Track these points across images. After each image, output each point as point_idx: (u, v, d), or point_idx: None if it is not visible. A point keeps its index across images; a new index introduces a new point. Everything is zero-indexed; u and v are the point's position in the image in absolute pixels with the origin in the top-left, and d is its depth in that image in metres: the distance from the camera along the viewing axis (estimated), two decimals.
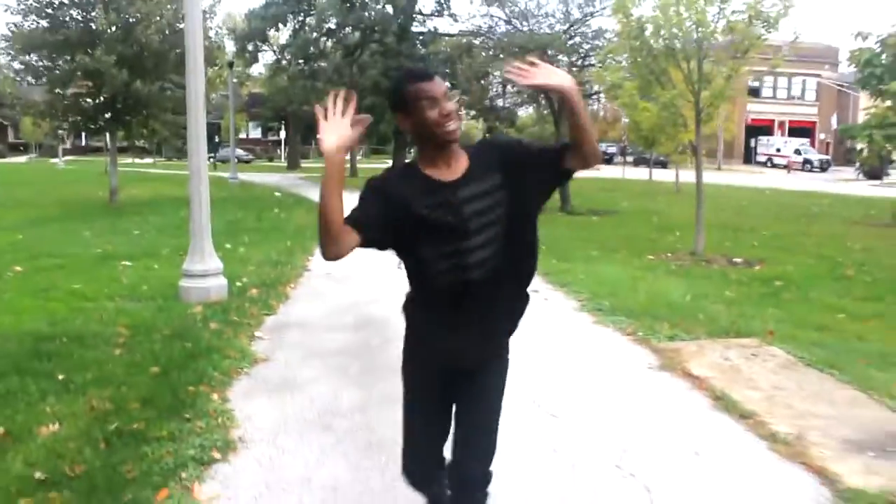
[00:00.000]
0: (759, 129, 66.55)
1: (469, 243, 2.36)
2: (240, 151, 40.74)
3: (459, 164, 2.40)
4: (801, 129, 66.85)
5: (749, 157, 66.27)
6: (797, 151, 58.38)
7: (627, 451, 4.07)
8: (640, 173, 39.69)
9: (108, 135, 21.35)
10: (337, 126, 2.18)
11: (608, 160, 62.61)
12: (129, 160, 49.84)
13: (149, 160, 57.58)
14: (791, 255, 11.70)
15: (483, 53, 21.32)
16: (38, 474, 3.63)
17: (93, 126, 20.24)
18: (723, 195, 25.55)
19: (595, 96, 19.90)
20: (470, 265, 2.37)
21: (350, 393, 5.01)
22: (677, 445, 4.21)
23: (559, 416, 4.64)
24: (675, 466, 3.93)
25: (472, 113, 32.88)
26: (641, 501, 3.53)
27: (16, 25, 18.77)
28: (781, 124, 68.33)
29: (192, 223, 8.16)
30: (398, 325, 2.71)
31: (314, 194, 21.47)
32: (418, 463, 2.72)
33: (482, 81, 21.82)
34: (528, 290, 2.58)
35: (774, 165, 59.83)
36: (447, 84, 2.24)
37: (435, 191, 2.36)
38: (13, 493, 3.47)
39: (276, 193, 24.95)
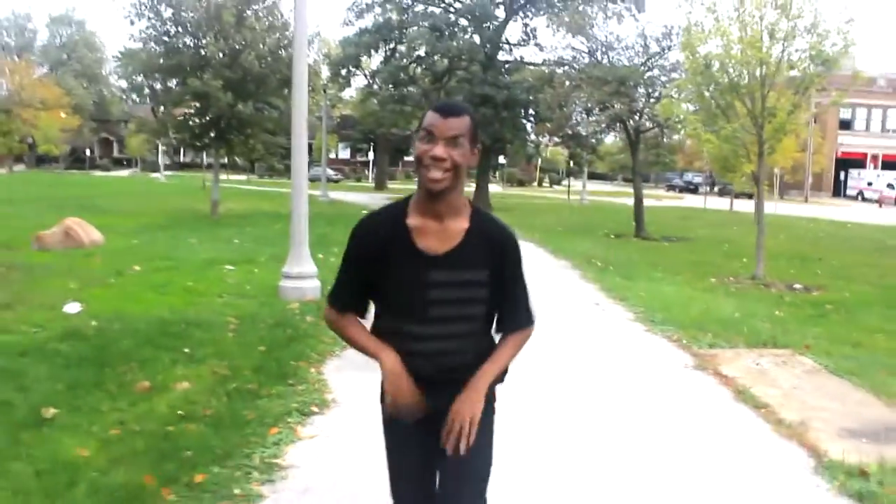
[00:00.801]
0: (850, 161, 65.27)
1: (423, 329, 2.21)
2: (329, 171, 42.46)
3: (451, 227, 2.21)
4: (894, 163, 65.12)
5: (839, 190, 65.01)
6: (890, 185, 56.96)
7: (653, 426, 4.89)
8: (724, 203, 39.62)
9: (206, 152, 23.03)
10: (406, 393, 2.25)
11: (693, 190, 62.48)
12: (225, 176, 52.34)
13: (243, 177, 60.12)
14: (851, 283, 12.12)
15: (566, 82, 22.16)
16: (179, 412, 4.68)
17: (198, 144, 21.90)
18: (802, 227, 25.67)
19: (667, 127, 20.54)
20: (420, 353, 2.23)
21: None
22: (696, 424, 4.99)
23: (601, 402, 5.48)
24: (691, 437, 4.72)
25: (556, 140, 33.79)
26: (662, 455, 4.35)
27: (125, 49, 20.62)
28: (875, 157, 66.81)
29: (292, 231, 9.29)
30: None
31: None
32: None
33: (564, 109, 22.65)
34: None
35: (865, 199, 58.49)
36: (465, 127, 2.11)
37: (409, 258, 2.19)
38: (161, 422, 4.53)
39: (363, 211, 26.18)
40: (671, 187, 67.82)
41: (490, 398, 2.33)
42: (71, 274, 10.63)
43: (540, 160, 64.35)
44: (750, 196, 50.79)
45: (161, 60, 19.97)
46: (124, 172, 73.89)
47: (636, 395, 5.65)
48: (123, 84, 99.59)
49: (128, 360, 5.89)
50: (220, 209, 22.04)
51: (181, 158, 79.69)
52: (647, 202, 21.91)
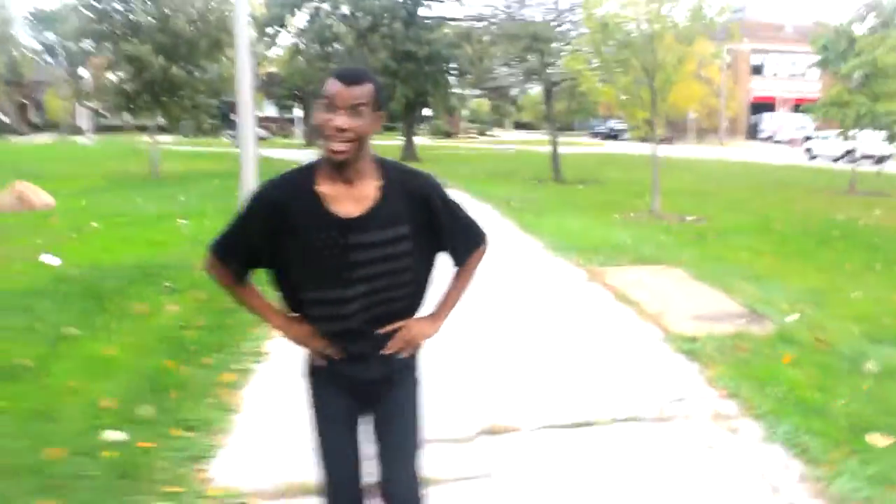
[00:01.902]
0: (763, 105, 68.17)
1: (348, 292, 2.16)
2: (259, 130, 42.87)
3: (363, 190, 2.16)
4: (802, 106, 68.01)
5: (754, 133, 67.92)
6: (799, 128, 59.93)
7: (553, 319, 6.38)
8: (645, 149, 41.50)
9: (140, 115, 23.59)
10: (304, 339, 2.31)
11: (615, 136, 64.43)
12: (145, 139, 52.21)
13: (169, 138, 59.78)
14: (736, 214, 13.87)
15: (484, 37, 23.40)
16: (179, 324, 5.96)
17: (132, 107, 22.53)
18: (708, 168, 27.73)
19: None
20: (347, 315, 2.19)
21: None
22: (585, 317, 6.51)
23: (514, 306, 6.95)
24: (580, 325, 6.23)
25: (478, 93, 35.11)
26: (559, 335, 5.84)
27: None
28: (785, 101, 69.86)
29: (242, 183, 10.46)
30: None
31: None
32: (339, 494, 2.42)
33: (483, 63, 23.93)
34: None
35: (777, 142, 61.39)
36: (367, 94, 2.07)
37: (321, 221, 2.13)
38: (165, 331, 5.81)
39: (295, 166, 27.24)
40: (595, 134, 69.55)
41: (416, 372, 2.44)
42: (34, 232, 11.58)
43: (467, 112, 65.46)
44: (670, 141, 53.17)
45: (92, 26, 20.51)
46: (45, 137, 72.33)
47: (542, 300, 7.14)
48: (36, 45, 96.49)
49: (119, 294, 7.10)
50: (158, 170, 22.80)
51: (103, 121, 78.48)
52: (570, 149, 23.41)
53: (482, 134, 74.24)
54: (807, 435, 4.02)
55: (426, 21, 31.10)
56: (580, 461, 3.81)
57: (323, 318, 2.22)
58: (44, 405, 4.36)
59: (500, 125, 72.59)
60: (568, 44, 20.03)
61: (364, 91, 2.06)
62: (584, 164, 28.11)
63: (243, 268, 2.30)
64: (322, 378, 2.35)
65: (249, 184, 10.38)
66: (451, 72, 31.58)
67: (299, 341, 2.32)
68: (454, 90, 33.36)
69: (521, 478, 3.63)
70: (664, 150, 38.35)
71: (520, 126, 77.76)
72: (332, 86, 2.05)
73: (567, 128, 58.87)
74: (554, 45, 20.14)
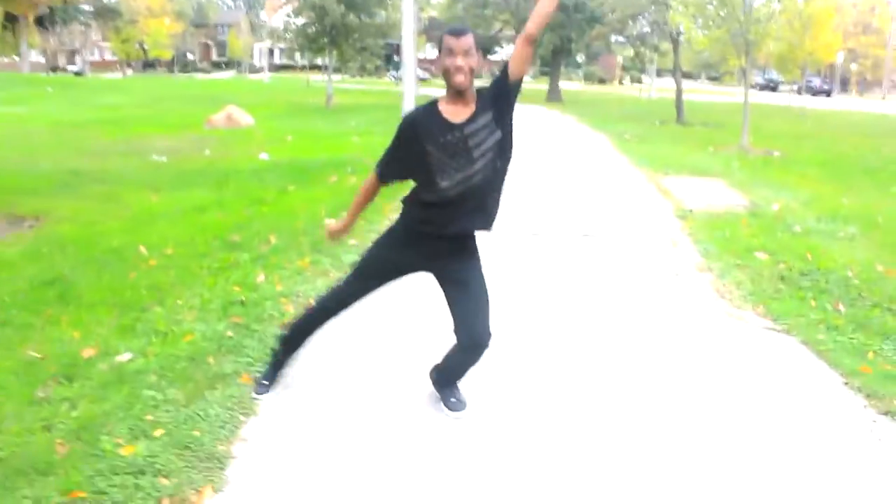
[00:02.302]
0: None
1: (474, 167, 3.01)
2: (419, 71, 46.48)
3: (469, 106, 3.03)
4: None
5: None
6: None
7: (605, 192, 9.37)
8: (794, 100, 42.17)
9: (319, 55, 27.42)
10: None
11: (773, 88, 63.44)
12: (320, 77, 57.05)
13: (338, 77, 64.58)
14: (817, 153, 15.94)
15: None
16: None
17: (314, 47, 26.46)
18: (840, 118, 28.98)
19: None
20: (474, 181, 3.04)
21: None
22: (631, 198, 9.43)
23: (581, 186, 9.95)
24: (625, 201, 9.18)
25: (621, 39, 36.99)
26: (600, 195, 8.84)
27: None
28: None
29: (403, 112, 13.76)
30: None
31: None
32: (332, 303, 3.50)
33: (615, 13, 26.16)
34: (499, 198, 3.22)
35: None
36: (471, 42, 2.94)
37: (448, 130, 3.00)
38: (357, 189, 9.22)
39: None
40: (752, 85, 68.32)
41: (475, 251, 3.31)
42: (247, 142, 15.50)
43: (620, 60, 66.48)
44: (828, 94, 52.60)
45: None
46: (225, 74, 79.04)
47: (604, 186, 10.10)
48: None
49: (317, 172, 10.61)
50: (332, 102, 26.73)
51: (276, 60, 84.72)
52: (719, 98, 24.83)
53: (638, 81, 75.10)
54: (718, 251, 6.85)
55: None
56: (586, 257, 6.86)
57: (458, 185, 3.03)
58: (286, 212, 7.83)
59: (658, 73, 73.26)
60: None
61: (469, 40, 2.95)
62: (717, 110, 29.91)
63: (391, 180, 3.26)
64: (402, 236, 3.31)
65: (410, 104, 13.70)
66: (597, 21, 33.76)
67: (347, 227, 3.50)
68: (598, 38, 35.54)
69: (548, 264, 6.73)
70: (814, 102, 39.53)
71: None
72: (449, 40, 2.95)
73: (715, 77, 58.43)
74: None
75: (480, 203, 3.13)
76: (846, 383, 3.97)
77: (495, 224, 3.24)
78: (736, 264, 6.36)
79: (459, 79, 2.94)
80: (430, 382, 3.66)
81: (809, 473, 3.09)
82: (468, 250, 3.29)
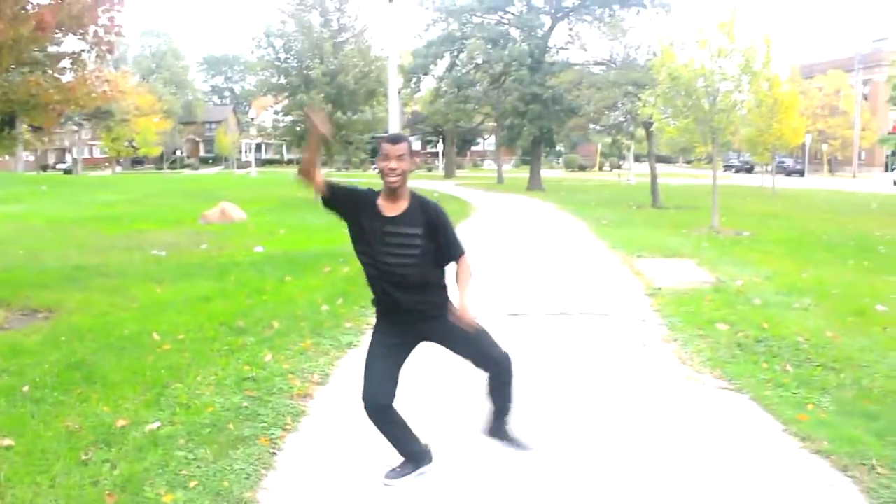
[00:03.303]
0: None
1: (382, 258, 3.53)
2: None
3: (399, 204, 3.52)
4: None
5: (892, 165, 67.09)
6: None
7: (580, 273, 10.05)
8: (765, 181, 43.61)
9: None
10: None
11: (748, 170, 64.77)
12: None
13: (324, 171, 66.00)
14: (784, 231, 16.79)
15: (593, 85, 27.04)
16: (350, 276, 9.99)
17: (303, 143, 27.49)
18: (806, 197, 30.20)
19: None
20: (384, 271, 3.55)
21: None
22: (605, 278, 10.11)
23: (561, 268, 10.64)
24: (592, 276, 9.86)
25: (598, 128, 38.66)
26: (575, 277, 9.50)
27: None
28: None
29: None
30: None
31: (468, 196, 28.25)
32: (373, 393, 3.69)
33: (591, 105, 27.55)
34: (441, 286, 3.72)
35: None
36: (405, 149, 3.47)
37: (377, 219, 3.53)
38: (351, 280, 9.86)
39: (435, 193, 31.69)
40: (727, 167, 69.91)
41: (442, 311, 3.66)
42: (241, 236, 16.21)
43: (599, 147, 68.45)
44: (801, 174, 54.29)
45: (275, 80, 25.75)
46: (213, 170, 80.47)
47: (580, 267, 10.80)
48: (206, 88, 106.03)
49: (311, 263, 11.27)
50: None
51: (262, 155, 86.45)
52: (689, 181, 25.83)
53: (618, 167, 77.19)
54: (683, 324, 7.48)
55: (552, 66, 34.96)
56: (562, 334, 7.48)
57: (369, 265, 3.63)
58: (285, 300, 8.45)
59: (636, 158, 75.46)
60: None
61: (403, 147, 3.50)
62: (691, 193, 31.04)
63: (334, 203, 3.63)
64: (378, 322, 3.86)
65: None
66: (574, 112, 35.29)
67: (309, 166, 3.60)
68: (576, 128, 37.08)
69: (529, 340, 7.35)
70: (787, 182, 41.00)
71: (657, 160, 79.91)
72: (385, 147, 3.49)
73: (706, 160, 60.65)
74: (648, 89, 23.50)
75: (407, 285, 3.57)
76: (785, 430, 4.57)
77: (457, 308, 3.56)
78: (698, 334, 7.00)
79: (391, 179, 3.45)
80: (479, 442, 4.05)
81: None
82: (430, 316, 3.67)
